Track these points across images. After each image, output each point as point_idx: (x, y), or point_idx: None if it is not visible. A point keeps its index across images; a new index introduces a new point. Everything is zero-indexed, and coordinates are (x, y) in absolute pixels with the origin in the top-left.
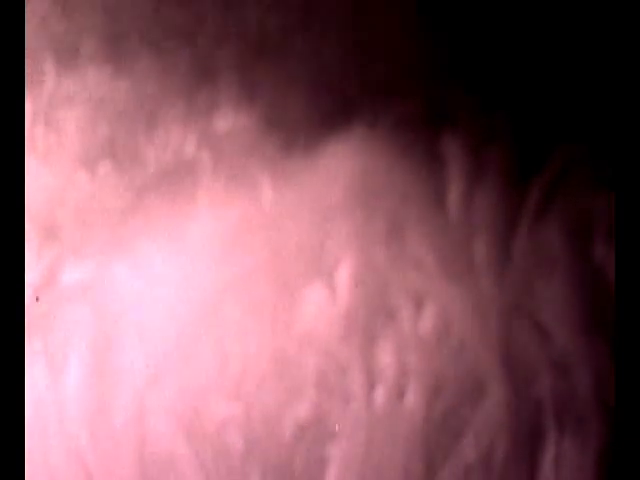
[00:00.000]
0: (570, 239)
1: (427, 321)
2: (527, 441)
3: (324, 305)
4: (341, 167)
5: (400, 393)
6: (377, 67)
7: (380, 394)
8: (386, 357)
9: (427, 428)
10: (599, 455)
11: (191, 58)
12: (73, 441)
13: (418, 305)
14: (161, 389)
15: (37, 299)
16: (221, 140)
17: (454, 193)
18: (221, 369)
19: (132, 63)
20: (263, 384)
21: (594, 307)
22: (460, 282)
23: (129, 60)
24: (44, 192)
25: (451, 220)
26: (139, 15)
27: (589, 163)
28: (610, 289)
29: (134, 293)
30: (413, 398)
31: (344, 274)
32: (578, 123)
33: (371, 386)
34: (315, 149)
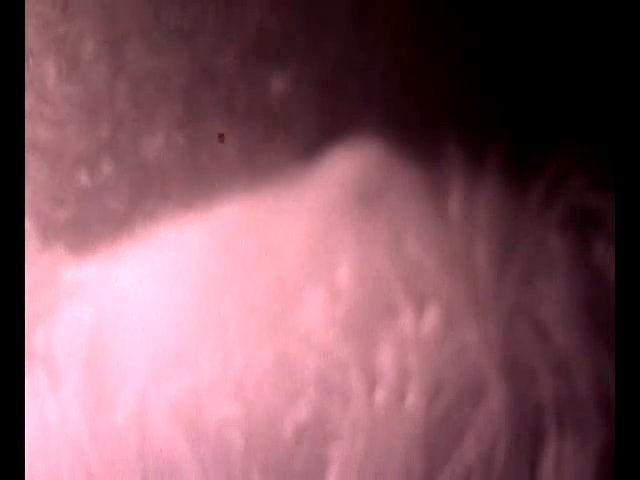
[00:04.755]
0: (570, 239)
1: (427, 322)
2: (527, 441)
3: (324, 306)
4: (341, 169)
5: (400, 394)
6: (377, 68)
7: (380, 394)
8: (386, 358)
9: (427, 429)
10: (600, 455)
11: (191, 59)
12: (73, 440)
13: (418, 306)
14: (161, 389)
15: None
16: (221, 142)
17: (454, 194)
18: (221, 369)
19: (132, 64)
20: (263, 384)
21: (594, 307)
22: (460, 283)
23: (129, 61)
24: (44, 192)
25: (451, 221)
26: (139, 16)
27: (589, 163)
28: (610, 289)
29: (134, 293)
30: (413, 399)
31: (344, 275)
32: (578, 123)
33: (371, 387)
34: (315, 152)
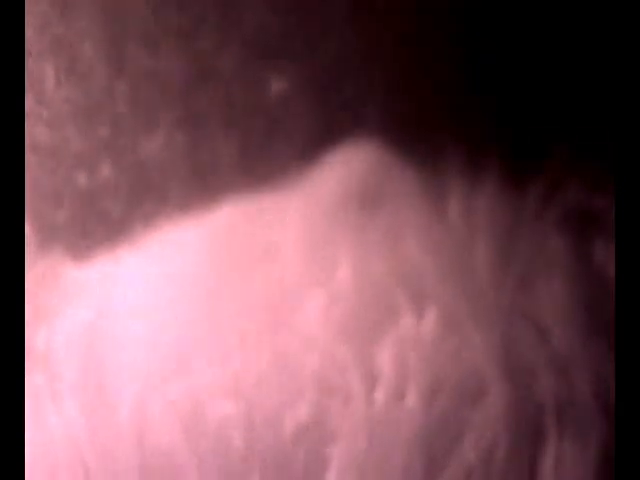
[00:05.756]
0: (570, 239)
1: (427, 322)
2: (527, 441)
3: (324, 306)
4: (341, 170)
5: (400, 393)
6: (377, 69)
7: (380, 395)
8: (386, 358)
9: (427, 428)
10: (600, 455)
11: (190, 60)
12: (73, 440)
13: (418, 306)
14: (161, 389)
15: None
16: (220, 143)
17: (454, 195)
18: (221, 369)
19: (131, 64)
20: (263, 384)
21: (594, 307)
22: (460, 283)
23: (128, 61)
24: (43, 193)
25: (451, 221)
26: (138, 17)
27: (588, 163)
28: (610, 289)
29: (134, 295)
30: (413, 398)
31: (344, 276)
32: (578, 123)
33: (371, 387)
34: (315, 152)
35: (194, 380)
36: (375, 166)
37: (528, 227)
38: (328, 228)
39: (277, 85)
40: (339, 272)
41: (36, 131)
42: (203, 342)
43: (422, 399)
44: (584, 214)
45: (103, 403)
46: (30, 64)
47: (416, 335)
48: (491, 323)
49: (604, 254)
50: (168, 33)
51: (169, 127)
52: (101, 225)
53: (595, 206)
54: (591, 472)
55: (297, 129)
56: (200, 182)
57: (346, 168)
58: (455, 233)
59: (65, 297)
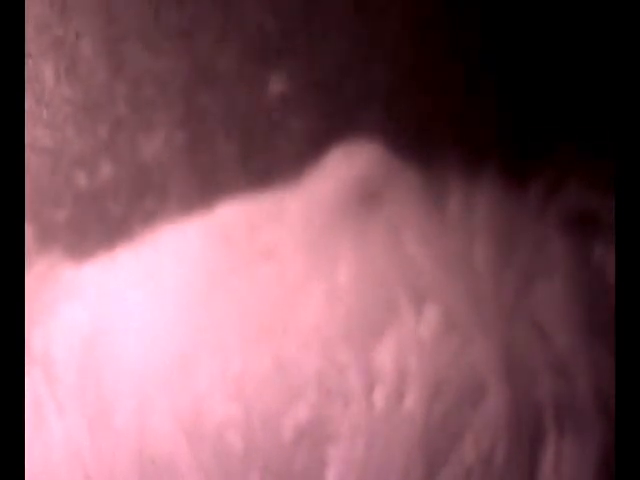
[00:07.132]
0: (570, 239)
1: (427, 322)
2: (527, 442)
3: (323, 306)
4: (341, 169)
5: (400, 394)
6: (377, 69)
7: (380, 395)
8: (386, 358)
9: (427, 429)
10: (600, 456)
11: (190, 59)
12: (72, 441)
13: (418, 306)
14: (161, 390)
15: None
16: (220, 143)
17: (454, 194)
18: (220, 371)
19: (131, 64)
20: (263, 385)
21: (594, 307)
22: (460, 283)
23: (128, 61)
24: (43, 193)
25: (451, 221)
26: (138, 17)
27: (589, 163)
28: (610, 289)
29: (134, 296)
30: (413, 399)
31: (344, 276)
32: (578, 122)
33: (371, 387)
34: (315, 152)
35: (194, 381)
36: (375, 166)
37: (528, 227)
38: (328, 228)
39: (277, 85)
40: (339, 272)
41: (36, 131)
42: (203, 342)
43: (422, 400)
44: (584, 214)
45: (103, 404)
46: (30, 64)
47: (416, 336)
48: (491, 323)
49: (604, 254)
50: (168, 33)
51: (169, 127)
52: (101, 225)
53: (595, 206)
54: (591, 472)
55: (297, 129)
56: (200, 182)
57: (346, 168)
58: (455, 233)
59: (64, 296)
